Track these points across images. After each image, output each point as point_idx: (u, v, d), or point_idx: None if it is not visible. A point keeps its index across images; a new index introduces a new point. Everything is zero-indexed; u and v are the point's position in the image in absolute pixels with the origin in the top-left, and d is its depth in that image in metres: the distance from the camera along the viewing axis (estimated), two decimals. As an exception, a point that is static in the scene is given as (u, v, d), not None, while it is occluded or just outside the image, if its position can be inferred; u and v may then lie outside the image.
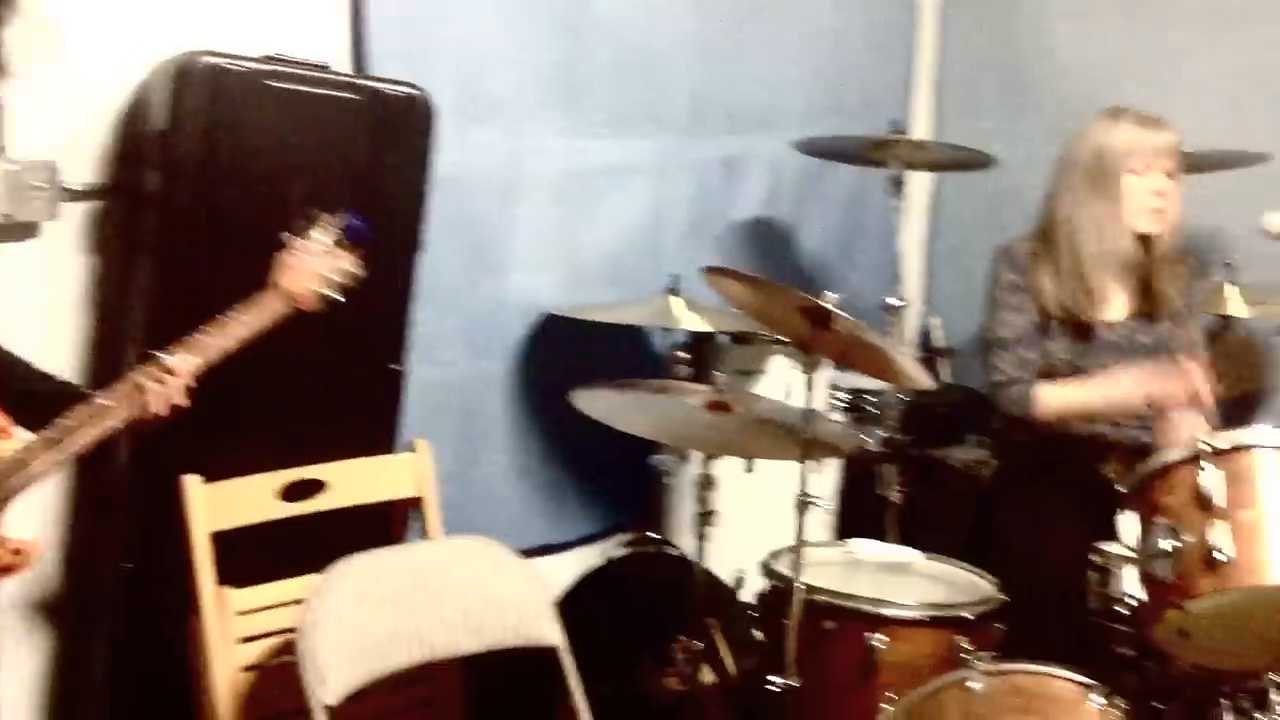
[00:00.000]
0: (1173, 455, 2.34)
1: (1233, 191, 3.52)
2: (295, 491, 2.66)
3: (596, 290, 3.49)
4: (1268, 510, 2.24)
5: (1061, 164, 3.03)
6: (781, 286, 2.57)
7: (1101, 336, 3.01)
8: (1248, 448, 2.29)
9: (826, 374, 3.49)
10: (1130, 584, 2.38)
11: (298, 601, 2.43)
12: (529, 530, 3.45)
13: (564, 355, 3.40)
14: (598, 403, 2.77)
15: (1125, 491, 2.42)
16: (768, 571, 2.74)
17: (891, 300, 3.59)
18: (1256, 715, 2.28)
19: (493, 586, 2.54)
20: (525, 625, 2.52)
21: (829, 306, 2.42)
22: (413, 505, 2.84)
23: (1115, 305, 3.04)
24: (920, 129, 4.50)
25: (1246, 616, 2.24)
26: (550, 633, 2.54)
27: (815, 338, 2.51)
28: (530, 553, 3.42)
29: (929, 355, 4.47)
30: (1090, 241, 2.96)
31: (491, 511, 3.35)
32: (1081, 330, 3.00)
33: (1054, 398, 2.95)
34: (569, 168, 3.43)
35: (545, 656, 2.55)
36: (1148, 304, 3.03)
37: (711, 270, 2.58)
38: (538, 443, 3.46)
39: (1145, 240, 2.97)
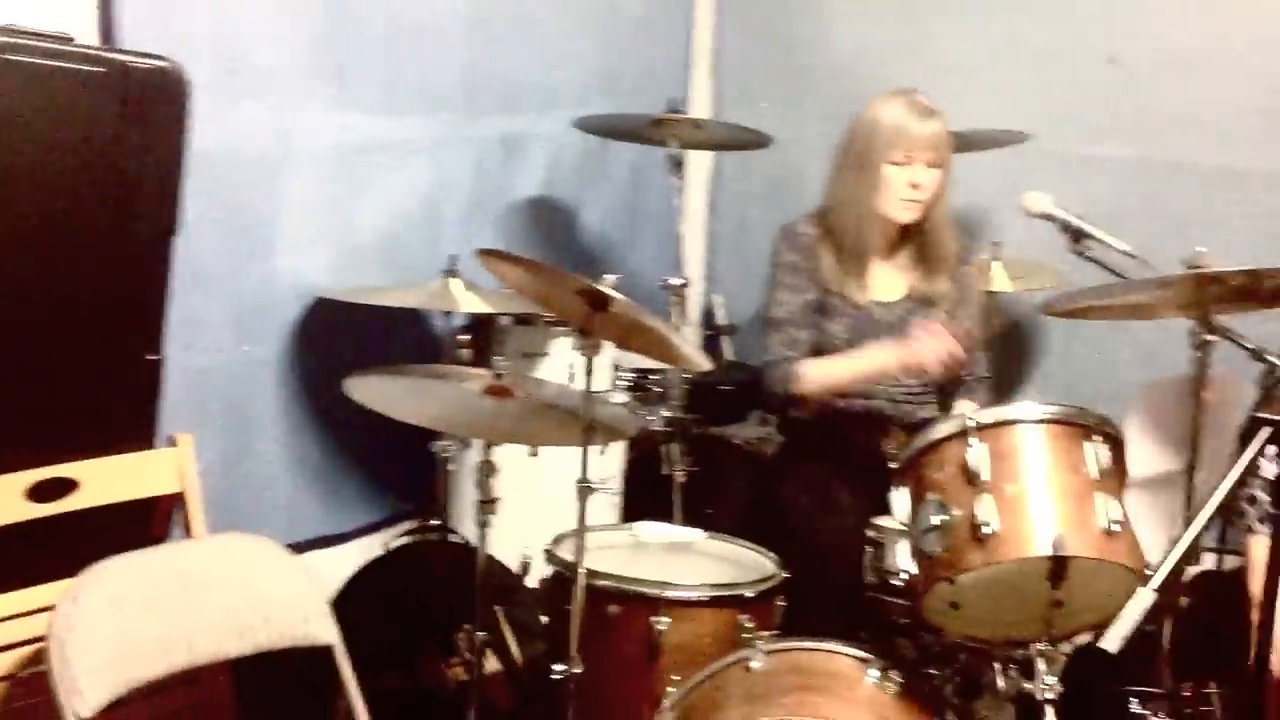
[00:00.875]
0: (940, 431, 2.39)
1: (997, 170, 3.64)
2: (44, 491, 2.49)
3: (371, 272, 3.39)
4: (1030, 484, 2.30)
5: (838, 145, 3.07)
6: (557, 269, 2.53)
7: (878, 317, 3.06)
8: (1011, 423, 2.36)
9: (610, 354, 3.47)
10: (903, 558, 2.43)
11: (50, 608, 2.28)
12: (305, 522, 3.33)
13: (338, 340, 3.29)
14: (372, 390, 2.68)
15: (896, 467, 2.46)
16: (551, 557, 2.71)
17: (673, 279, 3.59)
18: (1025, 684, 2.35)
19: (260, 585, 2.43)
20: (296, 624, 2.42)
21: (605, 290, 2.39)
22: (175, 502, 2.70)
23: (892, 286, 3.11)
24: (699, 108, 4.51)
25: (1012, 588, 2.30)
26: (323, 631, 2.45)
27: (594, 321, 2.47)
28: (307, 545, 3.32)
29: (712, 333, 4.50)
30: (852, 226, 3.01)
31: (263, 505, 3.22)
32: (859, 311, 3.05)
33: (814, 372, 3.01)
34: (339, 145, 3.31)
35: (324, 654, 2.46)
36: (923, 286, 3.10)
37: (486, 253, 2.51)
38: (312, 431, 3.34)
39: (910, 226, 3.04)
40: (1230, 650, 1.67)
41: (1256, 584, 1.61)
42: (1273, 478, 1.60)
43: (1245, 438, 1.30)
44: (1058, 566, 2.22)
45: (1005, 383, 3.54)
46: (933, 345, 2.82)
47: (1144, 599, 1.12)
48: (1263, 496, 1.65)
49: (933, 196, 3.00)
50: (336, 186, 3.33)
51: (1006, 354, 3.26)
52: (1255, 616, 1.57)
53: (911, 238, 3.08)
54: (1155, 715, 1.88)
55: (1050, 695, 2.29)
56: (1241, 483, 1.28)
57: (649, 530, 2.93)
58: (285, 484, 3.30)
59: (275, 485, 3.28)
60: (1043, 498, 2.29)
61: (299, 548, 3.24)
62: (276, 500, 3.28)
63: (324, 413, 3.33)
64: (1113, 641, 1.11)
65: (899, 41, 4.14)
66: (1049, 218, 2.88)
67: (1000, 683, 2.43)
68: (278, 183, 3.18)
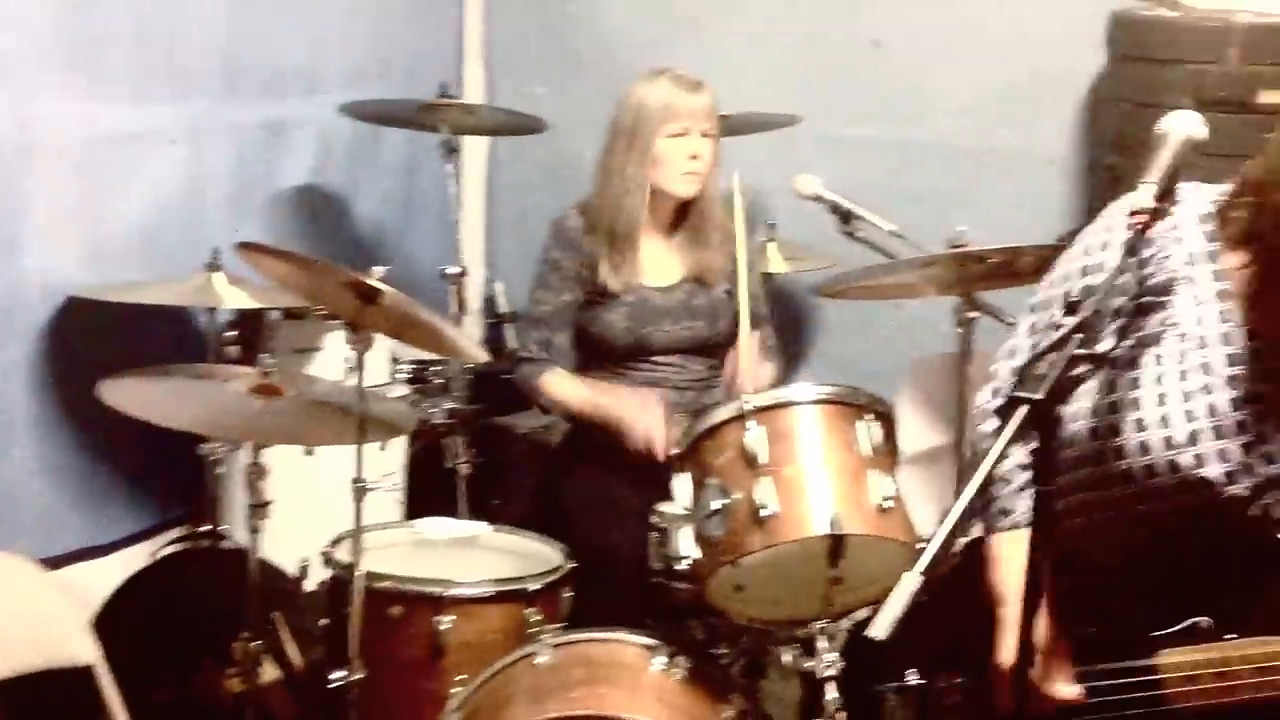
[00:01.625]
0: (719, 415, 2.39)
1: (769, 153, 3.68)
2: None
3: (128, 269, 3.21)
4: (807, 464, 2.33)
5: (609, 128, 3.04)
6: (323, 262, 2.43)
7: (656, 302, 3.05)
8: (788, 405, 2.38)
9: (387, 347, 3.38)
10: (686, 544, 2.42)
11: None
12: (63, 534, 3.15)
13: (94, 341, 3.10)
14: (129, 392, 2.53)
15: (677, 453, 2.46)
16: (328, 560, 2.62)
17: (450, 269, 3.51)
18: (807, 663, 2.37)
19: (10, 606, 2.27)
20: (51, 645, 2.27)
21: (374, 282, 2.31)
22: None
23: (668, 269, 3.10)
24: (472, 93, 4.44)
25: (794, 568, 2.32)
26: (82, 650, 2.31)
27: (364, 314, 2.39)
28: (68, 558, 3.14)
29: (494, 322, 4.44)
30: (627, 207, 2.99)
31: (16, 517, 3.03)
32: (637, 297, 3.03)
33: (555, 389, 3.01)
34: (87, 136, 3.12)
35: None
36: (700, 267, 3.09)
37: (245, 247, 2.40)
38: (69, 438, 3.15)
39: (687, 204, 3.04)
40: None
41: (998, 579, 1.61)
42: (1024, 461, 1.63)
43: (1002, 415, 1.33)
44: (835, 545, 2.25)
45: (783, 364, 3.58)
46: (655, 429, 2.81)
47: (910, 583, 1.12)
48: (1006, 490, 1.66)
49: (709, 168, 3.00)
50: (85, 179, 3.14)
51: (782, 336, 3.29)
52: (997, 612, 1.59)
53: (687, 217, 3.07)
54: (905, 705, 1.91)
55: (831, 672, 2.32)
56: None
57: (432, 526, 2.86)
58: (40, 495, 3.12)
59: (29, 496, 3.09)
60: (819, 477, 2.32)
61: (58, 561, 3.07)
62: (30, 512, 3.09)
63: (81, 418, 3.15)
64: (880, 628, 1.10)
65: (669, 23, 4.15)
66: (819, 199, 2.92)
67: (786, 659, 2.46)
68: (19, 177, 2.99)
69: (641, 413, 2.83)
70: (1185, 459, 1.49)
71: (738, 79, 3.59)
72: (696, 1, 4.13)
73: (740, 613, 2.44)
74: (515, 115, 3.71)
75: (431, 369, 3.54)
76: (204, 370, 2.72)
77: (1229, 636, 1.43)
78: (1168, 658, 1.44)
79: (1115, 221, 1.66)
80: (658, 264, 3.08)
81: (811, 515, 2.28)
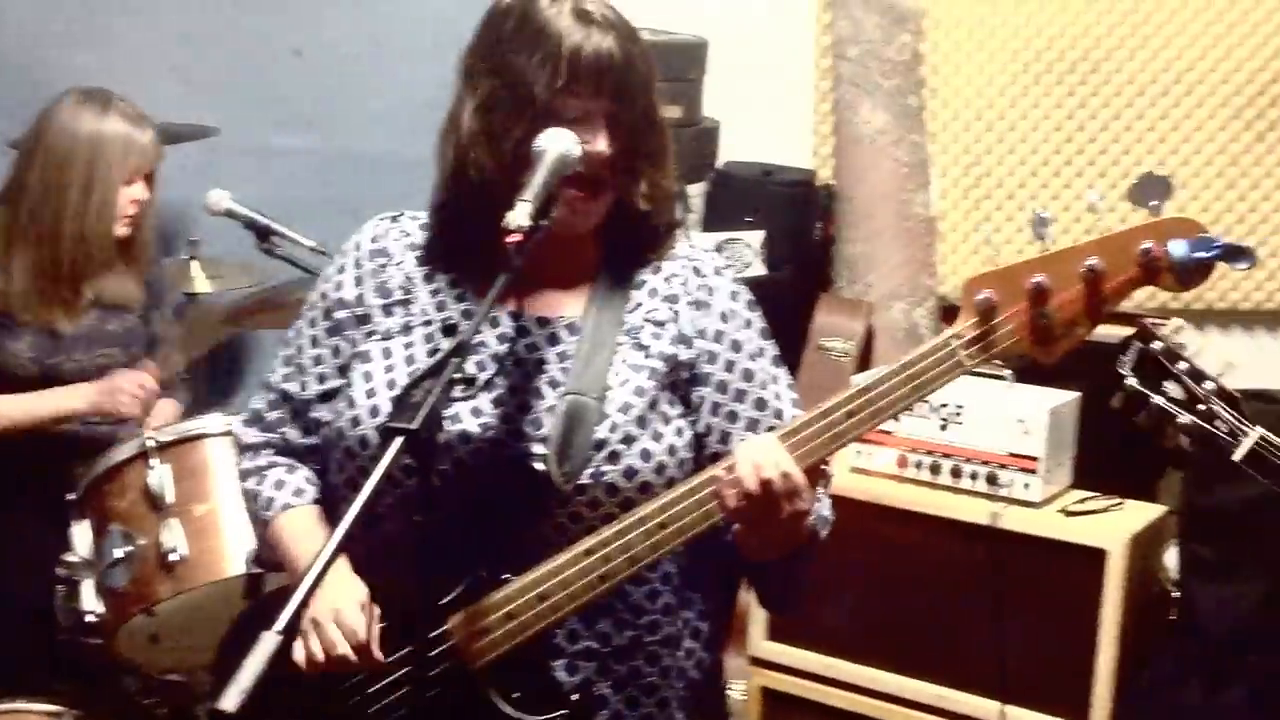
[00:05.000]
0: (119, 455, 2.21)
1: (189, 166, 3.47)
2: None
3: None
4: (222, 500, 2.20)
5: (35, 149, 2.73)
6: None
7: (68, 331, 2.77)
8: (198, 438, 2.24)
9: None
10: (89, 597, 2.22)
11: None
12: None
13: None
14: None
15: (76, 498, 2.25)
16: None
17: None
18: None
19: None
20: None
21: None
22: None
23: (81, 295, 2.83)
24: None
25: (214, 611, 2.18)
26: None
27: None
28: None
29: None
30: (68, 246, 2.70)
31: None
32: (47, 326, 2.75)
33: None
34: None
35: None
36: (113, 292, 2.85)
37: None
38: None
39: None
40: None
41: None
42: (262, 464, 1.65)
43: (381, 444, 1.27)
44: (253, 583, 2.14)
45: (208, 394, 3.39)
46: (128, 387, 2.60)
47: (268, 645, 1.03)
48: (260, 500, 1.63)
49: (148, 203, 2.79)
50: None
51: (206, 362, 3.11)
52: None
53: (120, 246, 2.83)
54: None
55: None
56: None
57: None
58: None
59: None
60: (238, 514, 2.19)
61: None
62: None
63: None
64: (231, 699, 0.99)
65: (80, 29, 3.82)
66: (231, 215, 2.78)
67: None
68: None
69: (105, 384, 2.59)
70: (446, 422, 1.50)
71: (151, 88, 3.35)
72: (109, 4, 3.83)
73: (158, 664, 2.27)
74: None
75: None
76: None
77: (505, 577, 1.45)
78: (455, 620, 1.44)
79: (348, 246, 1.70)
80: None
81: (229, 554, 2.16)
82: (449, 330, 1.54)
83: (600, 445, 1.51)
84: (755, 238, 3.29)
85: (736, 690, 2.78)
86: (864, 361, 3.18)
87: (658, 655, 1.58)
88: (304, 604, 1.12)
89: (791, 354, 1.70)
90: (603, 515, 1.50)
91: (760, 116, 3.57)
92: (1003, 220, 3.49)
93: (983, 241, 3.46)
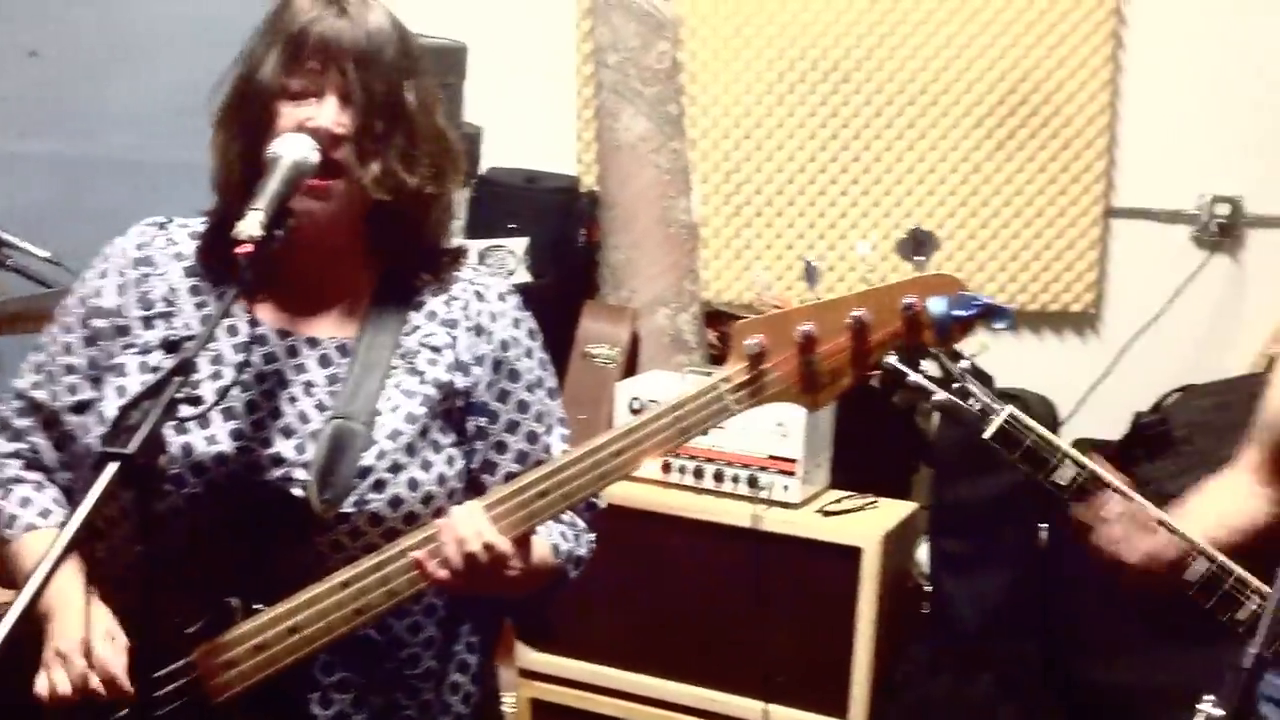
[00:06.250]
0: None
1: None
2: None
3: None
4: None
5: None
6: None
7: None
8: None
9: None
10: None
11: None
12: None
13: None
14: None
15: None
16: None
17: None
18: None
19: None
20: None
21: None
22: None
23: None
24: None
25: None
26: None
27: None
28: None
29: None
30: None
31: None
32: None
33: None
34: None
35: None
36: None
37: None
38: None
39: None
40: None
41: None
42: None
43: (96, 468, 1.19)
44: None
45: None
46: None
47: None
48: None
49: None
50: None
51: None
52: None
53: None
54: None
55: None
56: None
57: None
58: None
59: None
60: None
61: None
62: None
63: None
64: None
65: None
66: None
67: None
68: None
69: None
70: (197, 442, 1.44)
71: None
72: None
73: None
74: None
75: None
76: None
77: (257, 608, 1.40)
78: (200, 651, 1.38)
79: (112, 250, 1.59)
80: None
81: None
82: (171, 347, 1.46)
83: (365, 473, 1.44)
84: (519, 244, 3.26)
85: (506, 703, 2.74)
86: (629, 368, 3.19)
87: (417, 690, 1.53)
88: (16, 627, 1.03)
89: (557, 361, 1.67)
90: (365, 545, 1.44)
91: (523, 123, 3.54)
92: (763, 226, 3.55)
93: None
